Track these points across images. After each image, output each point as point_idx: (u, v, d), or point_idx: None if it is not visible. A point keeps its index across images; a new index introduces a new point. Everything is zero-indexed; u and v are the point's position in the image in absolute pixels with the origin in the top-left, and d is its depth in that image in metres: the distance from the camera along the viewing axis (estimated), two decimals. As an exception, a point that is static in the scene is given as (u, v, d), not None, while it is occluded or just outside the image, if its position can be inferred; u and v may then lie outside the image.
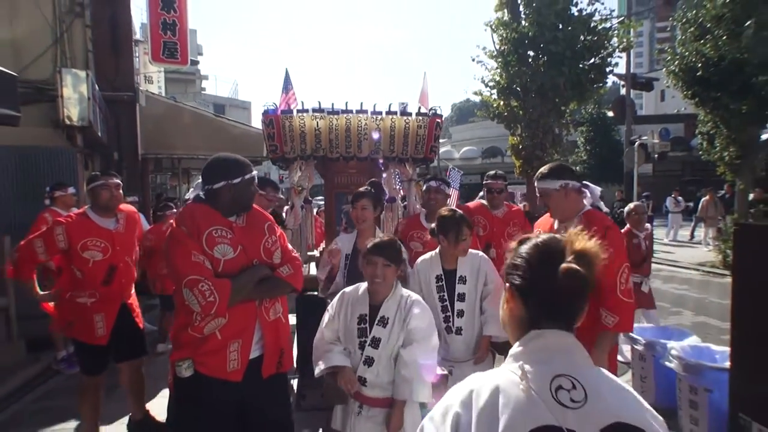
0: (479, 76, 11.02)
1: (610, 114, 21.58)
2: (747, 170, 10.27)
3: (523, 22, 10.28)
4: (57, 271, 3.04)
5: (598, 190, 2.65)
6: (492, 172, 3.83)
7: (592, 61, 10.21)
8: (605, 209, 2.73)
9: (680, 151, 23.47)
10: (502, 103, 10.83)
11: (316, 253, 3.99)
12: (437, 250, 2.64)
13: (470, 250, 2.63)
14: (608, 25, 10.34)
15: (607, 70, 10.47)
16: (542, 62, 10.10)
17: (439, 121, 3.85)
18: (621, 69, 13.02)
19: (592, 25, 10.13)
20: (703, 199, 11.86)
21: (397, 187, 4.04)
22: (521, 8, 10.38)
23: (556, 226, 2.53)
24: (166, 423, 2.08)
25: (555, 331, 0.93)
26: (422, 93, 4.31)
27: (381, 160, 3.81)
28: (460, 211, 2.64)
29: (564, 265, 0.91)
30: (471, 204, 3.89)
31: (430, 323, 2.15)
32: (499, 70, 10.70)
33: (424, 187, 3.48)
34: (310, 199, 3.99)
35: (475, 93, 11.42)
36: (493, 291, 2.58)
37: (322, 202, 5.04)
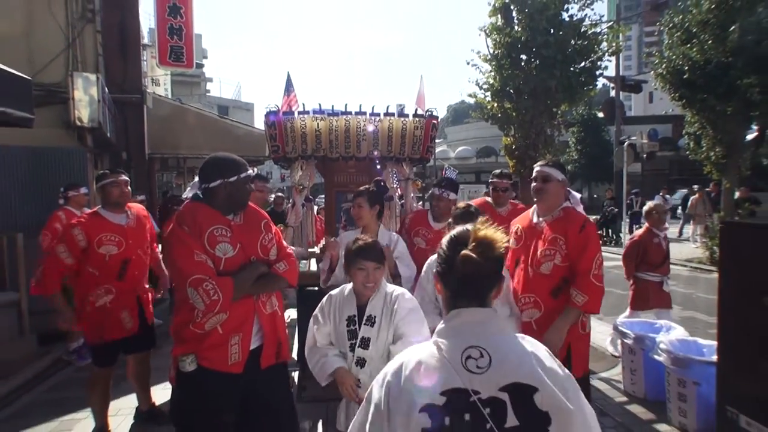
0: (474, 78, 10.98)
1: (601, 115, 21.56)
2: (733, 169, 10.24)
3: (516, 27, 10.22)
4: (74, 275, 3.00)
5: (578, 196, 2.75)
6: (498, 171, 3.76)
7: (582, 64, 10.15)
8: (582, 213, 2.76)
9: (668, 150, 23.46)
10: (495, 104, 10.78)
11: (316, 249, 3.97)
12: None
13: None
14: (598, 29, 10.27)
15: (597, 73, 10.41)
16: (534, 66, 10.06)
17: (435, 122, 3.82)
18: (611, 72, 12.99)
19: (582, 29, 10.07)
20: (692, 197, 11.82)
21: (395, 185, 4.01)
22: (514, 14, 10.32)
23: (534, 220, 2.52)
24: (170, 416, 2.05)
25: (470, 309, 1.04)
26: (419, 95, 4.27)
27: (377, 160, 3.78)
28: (474, 206, 2.53)
29: (462, 252, 1.01)
30: (474, 202, 3.84)
31: (418, 314, 2.03)
32: (493, 73, 10.65)
33: (429, 193, 3.48)
34: (311, 197, 3.96)
35: (470, 95, 11.37)
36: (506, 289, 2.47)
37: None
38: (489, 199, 3.80)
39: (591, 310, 2.39)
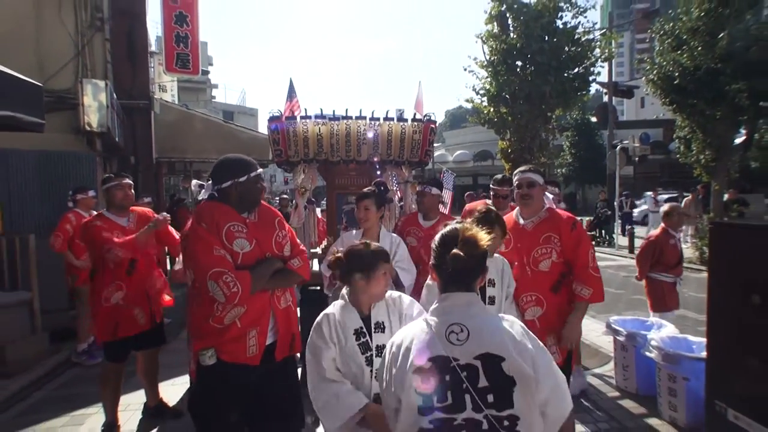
0: (471, 84, 10.99)
1: (594, 120, 21.61)
2: (722, 172, 10.24)
3: (512, 34, 10.25)
4: (90, 272, 3.05)
5: (551, 196, 2.85)
6: (499, 177, 3.77)
7: (576, 70, 10.18)
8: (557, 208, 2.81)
9: (659, 154, 23.43)
10: (492, 109, 10.79)
11: (318, 250, 3.97)
12: None
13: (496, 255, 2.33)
14: (591, 37, 10.30)
15: (590, 78, 10.43)
16: (530, 72, 10.08)
17: (433, 126, 3.82)
18: (603, 78, 13.00)
19: (576, 37, 10.10)
20: (685, 199, 11.83)
21: (395, 188, 4.02)
22: (510, 21, 10.34)
23: (521, 222, 2.54)
24: (189, 408, 2.07)
25: (458, 294, 1.25)
26: (417, 100, 4.28)
27: (377, 164, 3.79)
28: (494, 210, 2.31)
29: (453, 251, 1.21)
30: (473, 204, 3.84)
31: (419, 309, 1.93)
32: (489, 79, 10.67)
33: (418, 190, 3.48)
34: (313, 199, 3.97)
35: (467, 100, 11.39)
36: (511, 296, 2.35)
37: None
38: (489, 202, 3.79)
39: (597, 300, 2.45)
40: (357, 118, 3.66)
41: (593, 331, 4.93)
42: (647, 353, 3.21)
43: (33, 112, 2.88)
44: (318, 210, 4.66)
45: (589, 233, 2.76)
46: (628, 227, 12.61)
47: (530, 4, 10.15)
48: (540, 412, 1.19)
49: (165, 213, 3.23)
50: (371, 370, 1.69)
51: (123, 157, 6.97)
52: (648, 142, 21.99)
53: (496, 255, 2.33)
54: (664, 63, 10.08)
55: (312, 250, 3.99)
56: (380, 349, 1.71)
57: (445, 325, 1.20)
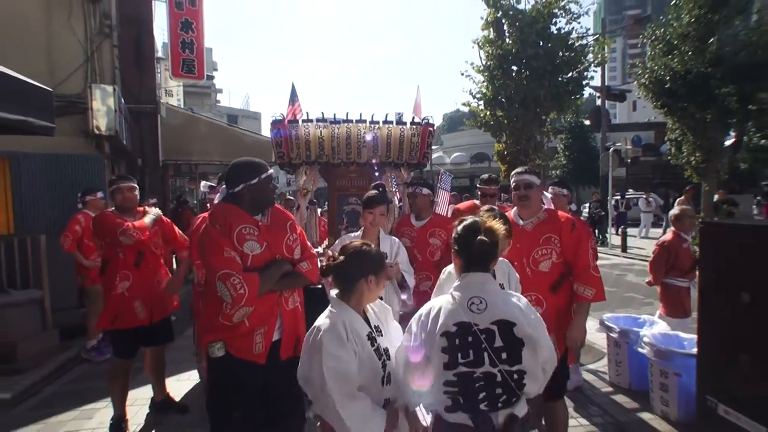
0: (468, 88, 11.05)
1: (587, 123, 21.55)
2: (711, 173, 10.23)
3: (507, 40, 10.25)
4: (102, 265, 3.06)
5: (549, 196, 2.82)
6: (485, 177, 3.68)
7: (570, 74, 10.18)
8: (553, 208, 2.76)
9: (651, 156, 23.40)
10: (488, 113, 10.79)
11: (320, 249, 3.97)
12: None
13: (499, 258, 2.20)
14: (584, 42, 10.31)
15: (584, 83, 10.43)
16: (525, 76, 10.08)
17: (431, 129, 3.82)
18: (596, 82, 12.99)
19: (569, 42, 10.10)
20: (678, 199, 11.82)
21: (394, 189, 4.01)
22: (505, 27, 10.34)
23: (520, 223, 2.52)
24: (207, 405, 2.08)
25: (477, 273, 1.51)
26: (416, 104, 4.26)
27: (375, 166, 3.78)
28: (497, 209, 2.18)
29: (479, 237, 1.50)
30: (462, 205, 3.82)
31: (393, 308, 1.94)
32: (485, 83, 10.67)
33: (409, 191, 3.43)
34: (314, 200, 3.97)
35: (464, 104, 11.38)
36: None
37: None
38: (477, 202, 3.76)
39: (599, 299, 2.44)
40: (357, 121, 3.66)
41: (587, 328, 4.91)
42: (640, 350, 3.20)
43: (44, 117, 2.88)
44: (318, 210, 4.65)
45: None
46: (621, 227, 12.61)
47: (525, 10, 10.15)
48: (542, 369, 1.48)
49: (156, 210, 3.22)
50: (383, 376, 1.56)
51: (131, 160, 6.96)
52: (640, 144, 21.98)
53: (501, 259, 2.16)
54: (656, 67, 10.07)
55: (313, 250, 3.99)
56: (387, 352, 1.62)
57: (467, 298, 1.46)
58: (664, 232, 14.59)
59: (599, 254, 11.29)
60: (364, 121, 3.67)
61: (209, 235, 1.87)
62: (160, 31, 12.15)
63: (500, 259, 2.15)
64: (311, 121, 3.62)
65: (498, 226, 1.53)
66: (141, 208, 3.14)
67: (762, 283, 2.25)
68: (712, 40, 9.11)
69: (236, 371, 1.89)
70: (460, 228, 1.57)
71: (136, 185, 3.05)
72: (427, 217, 3.25)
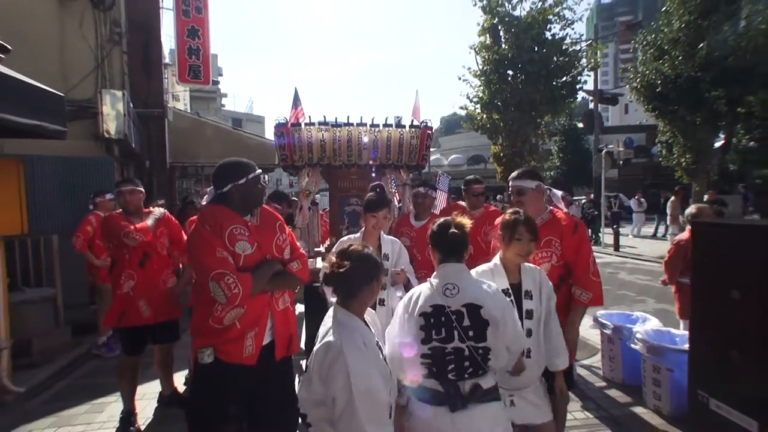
0: (465, 92, 10.98)
1: (580, 125, 21.51)
2: (702, 174, 10.21)
3: (503, 45, 10.23)
4: (110, 265, 3.07)
5: (559, 193, 2.72)
6: (471, 177, 3.65)
7: (564, 79, 10.16)
8: (565, 209, 2.69)
9: (642, 157, 23.37)
10: (485, 116, 10.78)
11: (322, 248, 3.96)
12: (497, 259, 2.05)
13: (528, 264, 2.05)
14: (578, 47, 10.28)
15: (577, 87, 10.41)
16: (520, 80, 10.06)
17: (429, 132, 3.81)
18: (589, 86, 13.00)
19: (563, 47, 10.08)
20: (670, 200, 11.79)
21: (393, 190, 4.00)
22: (501, 33, 10.33)
23: None
24: (185, 405, 2.03)
25: (452, 264, 1.67)
26: (415, 108, 4.26)
27: (374, 167, 3.76)
28: (521, 212, 2.07)
29: (450, 231, 1.66)
30: (452, 205, 3.81)
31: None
32: (482, 88, 10.65)
33: (413, 192, 3.44)
34: (316, 201, 3.96)
35: (461, 107, 11.38)
36: (553, 310, 2.00)
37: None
38: (464, 203, 3.66)
39: (596, 304, 2.38)
40: (358, 124, 3.65)
41: (581, 324, 4.91)
42: (633, 345, 3.19)
43: (56, 121, 2.87)
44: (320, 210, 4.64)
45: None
46: (614, 227, 12.58)
47: (521, 16, 10.13)
48: (506, 348, 1.61)
49: (159, 209, 3.20)
50: (391, 388, 1.47)
51: (139, 162, 6.96)
52: (632, 146, 21.95)
53: (531, 265, 2.06)
54: (647, 72, 10.06)
55: (316, 249, 3.98)
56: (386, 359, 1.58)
57: (443, 284, 1.61)
58: (656, 232, 14.63)
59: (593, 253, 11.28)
60: (365, 125, 3.66)
61: (201, 235, 1.79)
62: (168, 38, 12.14)
63: (530, 265, 2.05)
64: (313, 124, 3.62)
65: (465, 221, 1.68)
66: (149, 210, 3.14)
67: (751, 280, 2.24)
68: (701, 45, 9.10)
69: (226, 376, 1.81)
70: (435, 226, 1.72)
71: (138, 188, 3.02)
72: (426, 217, 3.24)
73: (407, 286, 2.65)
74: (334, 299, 1.53)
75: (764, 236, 2.21)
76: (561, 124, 23.64)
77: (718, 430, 2.38)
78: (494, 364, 1.61)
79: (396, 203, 4.01)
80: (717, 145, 10.89)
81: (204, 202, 2.04)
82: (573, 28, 11.33)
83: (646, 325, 3.34)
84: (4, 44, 2.70)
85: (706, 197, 10.17)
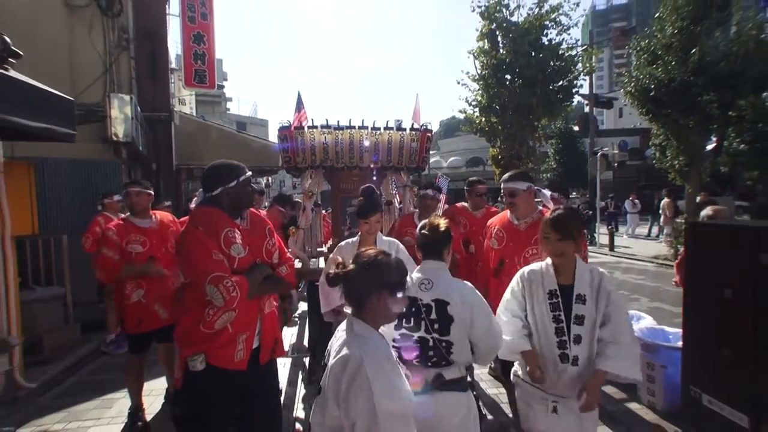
0: (464, 96, 10.99)
1: (576, 128, 21.51)
2: (694, 176, 10.19)
3: (501, 50, 10.24)
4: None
5: (549, 193, 2.73)
6: (474, 178, 3.70)
7: (560, 83, 10.16)
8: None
9: (636, 160, 23.35)
10: (483, 119, 10.78)
11: (324, 249, 3.97)
12: (549, 259, 1.86)
13: (588, 265, 1.83)
14: (574, 52, 10.28)
15: (573, 91, 10.41)
16: (518, 84, 10.06)
17: (429, 135, 3.82)
18: (585, 90, 12.97)
19: (560, 52, 10.08)
20: (663, 201, 11.77)
21: (394, 192, 4.01)
22: (499, 38, 10.34)
23: (515, 222, 2.51)
24: (172, 418, 1.86)
25: (432, 261, 1.76)
26: (415, 111, 4.27)
27: (374, 170, 3.77)
28: (561, 209, 1.87)
29: (422, 231, 1.78)
30: (454, 206, 3.82)
31: None
32: (480, 91, 10.66)
33: (420, 194, 3.45)
34: (319, 202, 3.96)
35: (460, 111, 11.38)
36: (615, 315, 1.73)
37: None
38: (466, 204, 3.70)
39: None
40: (359, 127, 3.66)
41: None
42: (627, 342, 3.18)
43: (66, 124, 2.88)
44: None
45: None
46: (609, 227, 12.58)
47: (518, 22, 10.14)
48: (473, 344, 1.65)
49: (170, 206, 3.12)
50: None
51: (146, 165, 6.96)
52: (626, 149, 21.93)
53: (592, 267, 1.82)
54: (641, 76, 10.05)
55: (318, 249, 3.99)
56: None
57: (420, 279, 1.71)
58: (649, 232, 14.60)
59: (588, 252, 11.26)
60: (366, 128, 3.67)
61: (195, 237, 1.69)
62: (174, 44, 12.18)
63: (590, 267, 1.82)
64: (316, 127, 3.63)
65: (440, 222, 1.77)
66: (156, 212, 3.11)
67: (742, 279, 2.24)
68: (694, 50, 9.09)
69: (217, 382, 1.74)
70: (418, 229, 1.84)
71: (145, 189, 2.98)
72: (427, 218, 3.24)
73: None
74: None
75: (756, 237, 2.22)
76: (557, 127, 23.62)
77: (711, 425, 2.38)
78: (457, 358, 1.64)
79: (397, 204, 4.02)
80: (709, 147, 10.86)
81: (193, 205, 1.94)
82: (569, 34, 11.37)
83: (640, 323, 3.34)
84: (16, 50, 2.70)
85: (698, 198, 10.18)
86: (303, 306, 4.75)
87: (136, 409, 2.97)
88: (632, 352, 1.72)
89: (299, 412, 3.13)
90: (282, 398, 3.28)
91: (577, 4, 10.17)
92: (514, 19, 10.25)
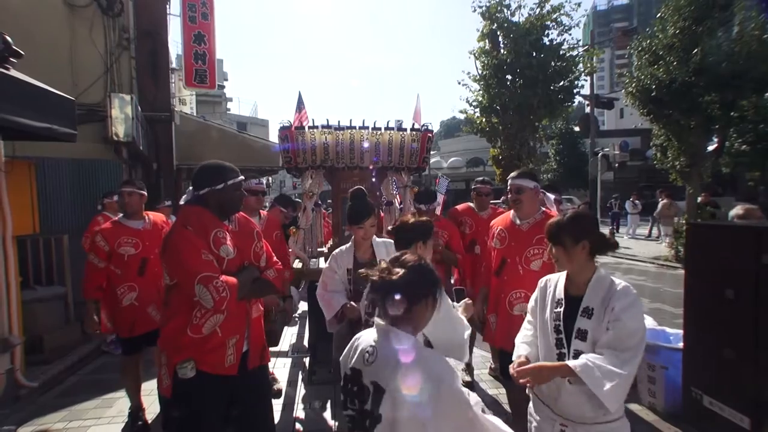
0: (464, 96, 11.05)
1: (577, 129, 21.51)
2: (695, 177, 10.18)
3: (502, 51, 10.24)
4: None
5: (552, 196, 2.72)
6: (480, 178, 3.66)
7: (561, 83, 10.15)
8: (556, 212, 2.71)
9: (637, 160, 23.33)
10: (484, 119, 10.77)
11: (324, 249, 3.97)
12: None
13: (607, 278, 1.59)
14: (575, 53, 10.27)
15: (574, 91, 10.39)
16: (519, 85, 10.06)
17: (430, 135, 3.82)
18: (586, 90, 12.94)
19: (561, 52, 10.07)
20: (663, 201, 11.77)
21: (394, 192, 4.01)
22: (500, 39, 10.33)
23: (517, 222, 2.50)
24: (162, 426, 1.80)
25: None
26: (416, 111, 4.26)
27: (374, 170, 3.77)
28: (575, 214, 1.69)
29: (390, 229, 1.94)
30: (459, 207, 3.81)
31: None
32: (481, 92, 10.65)
33: (415, 207, 3.37)
34: (319, 202, 3.97)
35: (461, 111, 11.38)
36: (617, 339, 1.47)
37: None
38: (472, 204, 3.69)
39: None
40: (360, 128, 3.66)
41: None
42: (628, 343, 3.18)
43: (66, 124, 2.89)
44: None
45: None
46: (611, 227, 12.57)
47: (519, 23, 10.13)
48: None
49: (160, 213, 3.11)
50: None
51: (146, 165, 6.97)
52: (627, 149, 21.80)
53: (611, 279, 1.59)
54: (642, 77, 10.04)
55: (319, 249, 3.99)
56: None
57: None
58: (650, 233, 14.58)
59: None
60: (367, 128, 3.67)
61: (183, 236, 1.63)
62: (175, 44, 12.17)
63: (609, 280, 1.61)
64: (317, 127, 3.63)
65: (408, 219, 1.92)
66: (149, 213, 3.08)
67: (744, 280, 2.24)
68: (696, 50, 9.08)
69: (209, 388, 1.69)
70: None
71: (137, 190, 2.94)
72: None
73: None
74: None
75: (757, 237, 2.21)
76: (558, 127, 23.63)
77: (712, 426, 2.38)
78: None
79: (397, 205, 4.02)
80: (710, 148, 10.85)
81: (182, 203, 1.86)
82: (570, 34, 11.30)
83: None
84: (17, 49, 2.71)
85: (699, 199, 10.18)
86: (303, 306, 4.74)
87: (137, 409, 2.97)
88: (611, 375, 1.41)
89: (299, 412, 3.12)
90: (282, 398, 3.29)
91: (579, 5, 10.17)
92: (515, 19, 10.24)
